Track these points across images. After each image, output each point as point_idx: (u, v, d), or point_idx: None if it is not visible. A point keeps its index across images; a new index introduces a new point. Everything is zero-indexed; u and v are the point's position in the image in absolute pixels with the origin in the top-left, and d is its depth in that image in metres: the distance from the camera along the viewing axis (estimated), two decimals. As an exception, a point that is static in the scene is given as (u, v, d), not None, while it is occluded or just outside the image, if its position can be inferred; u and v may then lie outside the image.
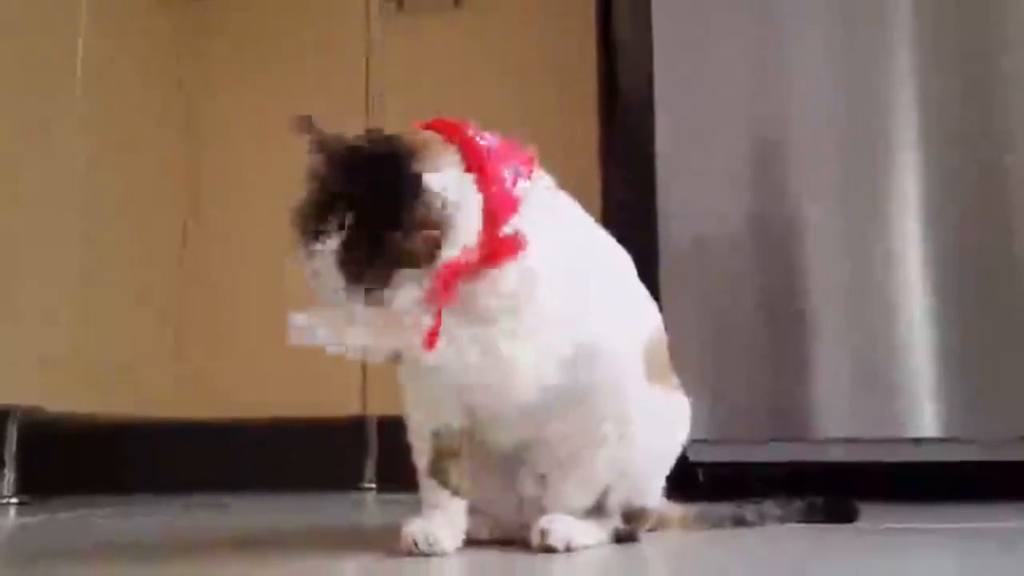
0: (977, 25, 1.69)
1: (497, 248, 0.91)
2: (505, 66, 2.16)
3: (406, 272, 0.87)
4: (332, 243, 0.87)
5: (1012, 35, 1.67)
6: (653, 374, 1.04)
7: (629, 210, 1.90)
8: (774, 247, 1.71)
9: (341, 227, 0.87)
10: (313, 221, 0.89)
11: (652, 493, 1.09)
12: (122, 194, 2.04)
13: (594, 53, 2.14)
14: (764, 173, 1.74)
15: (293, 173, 2.46)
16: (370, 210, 0.87)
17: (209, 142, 2.27)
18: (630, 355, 1.02)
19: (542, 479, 1.01)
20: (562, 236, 0.98)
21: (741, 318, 1.70)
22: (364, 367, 2.10)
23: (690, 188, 1.75)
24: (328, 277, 0.88)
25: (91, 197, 1.92)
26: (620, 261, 1.08)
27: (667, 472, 1.10)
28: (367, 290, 0.88)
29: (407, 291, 0.88)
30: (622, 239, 1.09)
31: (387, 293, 0.88)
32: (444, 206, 0.88)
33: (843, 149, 1.70)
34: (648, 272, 1.11)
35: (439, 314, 0.91)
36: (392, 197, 0.87)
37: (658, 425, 1.04)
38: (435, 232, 0.87)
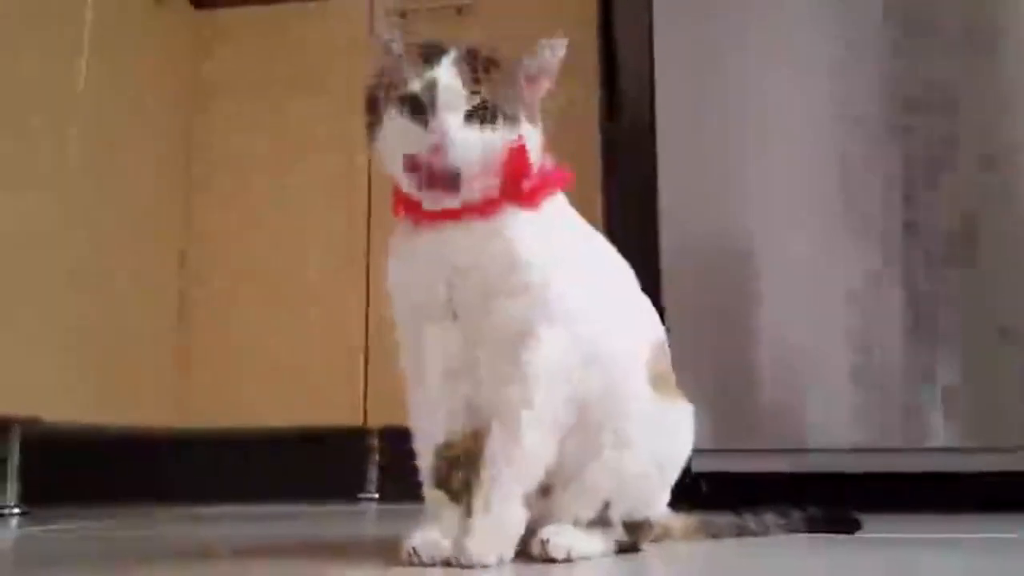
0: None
1: (544, 180, 0.97)
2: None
3: (506, 96, 0.93)
4: (451, 58, 0.93)
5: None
6: (657, 384, 1.04)
7: (631, 215, 1.90)
8: (775, 252, 1.70)
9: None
10: (424, 53, 0.95)
11: (656, 504, 1.08)
12: (124, 206, 2.04)
13: (596, 58, 2.14)
14: (766, 176, 1.73)
15: (294, 185, 2.46)
16: (484, 49, 0.96)
17: (211, 154, 2.28)
18: (632, 364, 1.02)
19: (545, 489, 1.00)
20: (575, 241, 1.01)
21: (743, 323, 1.69)
22: (366, 378, 2.10)
23: (692, 193, 1.75)
24: (448, 83, 0.92)
25: (93, 206, 1.93)
26: (624, 271, 1.08)
27: (671, 483, 1.09)
28: (475, 106, 0.92)
29: (508, 124, 0.93)
30: (623, 245, 1.09)
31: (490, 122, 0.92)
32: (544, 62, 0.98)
33: (844, 153, 1.71)
34: (649, 276, 1.11)
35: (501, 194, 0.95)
36: (496, 52, 0.97)
37: (661, 435, 1.04)
38: (539, 87, 0.97)
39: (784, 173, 1.73)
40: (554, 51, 0.97)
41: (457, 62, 0.93)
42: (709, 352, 1.68)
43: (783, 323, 1.69)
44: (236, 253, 2.22)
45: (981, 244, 1.63)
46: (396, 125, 0.93)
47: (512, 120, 0.94)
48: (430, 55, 0.94)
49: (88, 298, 1.90)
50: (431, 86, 0.92)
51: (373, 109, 0.96)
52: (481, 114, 0.92)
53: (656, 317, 1.11)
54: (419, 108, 0.92)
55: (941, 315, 1.63)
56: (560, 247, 0.98)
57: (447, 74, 0.92)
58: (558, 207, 1.01)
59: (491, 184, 0.94)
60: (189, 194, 2.25)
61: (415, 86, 0.92)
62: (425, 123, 0.91)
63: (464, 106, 0.92)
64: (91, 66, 1.91)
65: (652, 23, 1.82)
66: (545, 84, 0.99)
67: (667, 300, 1.65)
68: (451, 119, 0.91)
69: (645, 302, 1.11)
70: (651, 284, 1.11)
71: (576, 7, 2.18)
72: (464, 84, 0.92)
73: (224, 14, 2.35)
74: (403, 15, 2.24)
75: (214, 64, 2.31)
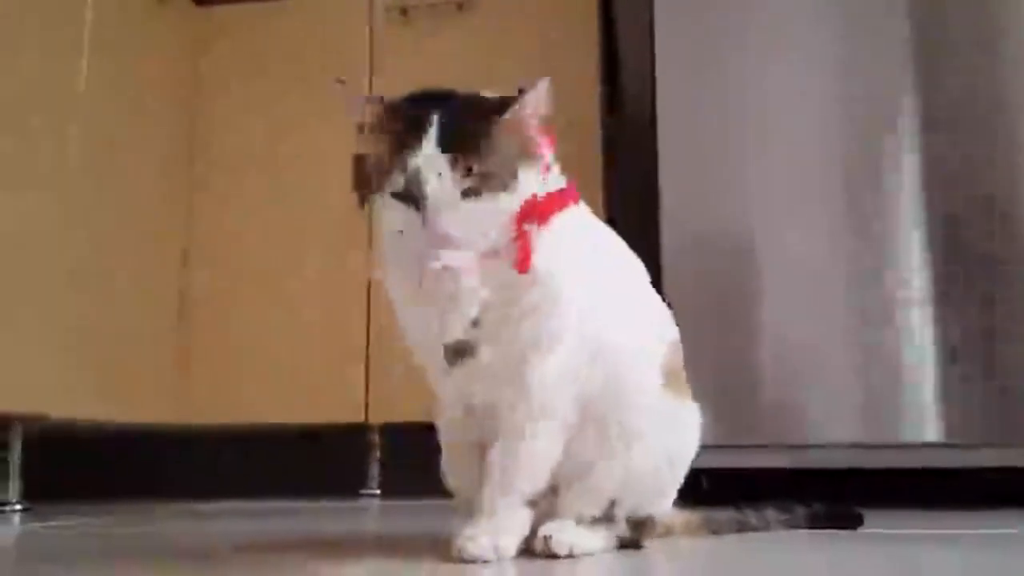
0: (977, 35, 1.70)
1: (549, 201, 0.94)
2: (509, 70, 2.16)
3: (502, 162, 0.89)
4: (432, 140, 0.88)
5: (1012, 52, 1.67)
6: (669, 381, 1.05)
7: (632, 211, 1.90)
8: (776, 249, 1.70)
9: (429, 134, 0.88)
10: (406, 139, 0.88)
11: (662, 501, 1.08)
12: (125, 205, 2.04)
13: (597, 57, 2.14)
14: (768, 172, 1.73)
15: (294, 183, 2.45)
16: (467, 109, 0.91)
17: (212, 152, 2.28)
18: (637, 358, 1.02)
19: (552, 487, 1.00)
20: (583, 246, 0.99)
21: (744, 320, 1.69)
22: (367, 375, 2.10)
23: (693, 190, 1.75)
24: (430, 170, 0.87)
25: (93, 205, 1.93)
26: (636, 272, 1.09)
27: (680, 480, 1.09)
28: (469, 186, 0.87)
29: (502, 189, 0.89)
30: (624, 241, 1.09)
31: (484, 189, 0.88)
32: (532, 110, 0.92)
33: (845, 151, 1.71)
34: (650, 272, 1.11)
35: (525, 240, 0.90)
36: (487, 100, 0.93)
37: (672, 430, 1.04)
38: (531, 129, 0.93)
39: (785, 170, 1.73)
40: (538, 92, 0.92)
41: (441, 140, 0.88)
42: (710, 348, 1.68)
43: (784, 320, 1.69)
44: (236, 250, 2.22)
45: (981, 243, 1.63)
46: (389, 207, 0.90)
47: (510, 184, 0.89)
48: (412, 139, 0.88)
49: (88, 297, 1.90)
50: (415, 178, 0.87)
51: (361, 184, 0.94)
52: (475, 191, 0.88)
53: (670, 316, 1.11)
54: (409, 199, 0.88)
55: (940, 313, 1.63)
56: (568, 257, 0.95)
57: (431, 164, 0.87)
58: (568, 215, 0.97)
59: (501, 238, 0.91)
60: (191, 193, 2.25)
61: (399, 182, 0.88)
62: (417, 209, 0.87)
63: (456, 189, 0.87)
64: (91, 66, 1.91)
65: (653, 19, 1.82)
66: (536, 119, 0.94)
67: (668, 296, 1.64)
68: (441, 212, 0.87)
69: (658, 301, 1.11)
70: (652, 280, 1.12)
71: (577, 2, 2.17)
72: (452, 168, 0.87)
73: (226, 11, 2.34)
74: (404, 11, 2.24)
75: (216, 61, 2.31)
